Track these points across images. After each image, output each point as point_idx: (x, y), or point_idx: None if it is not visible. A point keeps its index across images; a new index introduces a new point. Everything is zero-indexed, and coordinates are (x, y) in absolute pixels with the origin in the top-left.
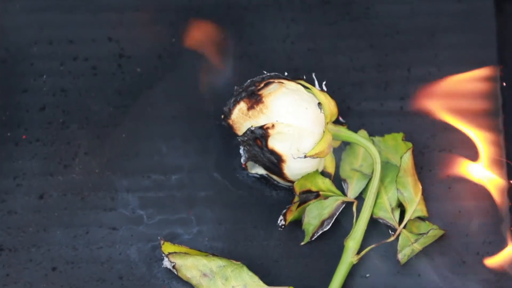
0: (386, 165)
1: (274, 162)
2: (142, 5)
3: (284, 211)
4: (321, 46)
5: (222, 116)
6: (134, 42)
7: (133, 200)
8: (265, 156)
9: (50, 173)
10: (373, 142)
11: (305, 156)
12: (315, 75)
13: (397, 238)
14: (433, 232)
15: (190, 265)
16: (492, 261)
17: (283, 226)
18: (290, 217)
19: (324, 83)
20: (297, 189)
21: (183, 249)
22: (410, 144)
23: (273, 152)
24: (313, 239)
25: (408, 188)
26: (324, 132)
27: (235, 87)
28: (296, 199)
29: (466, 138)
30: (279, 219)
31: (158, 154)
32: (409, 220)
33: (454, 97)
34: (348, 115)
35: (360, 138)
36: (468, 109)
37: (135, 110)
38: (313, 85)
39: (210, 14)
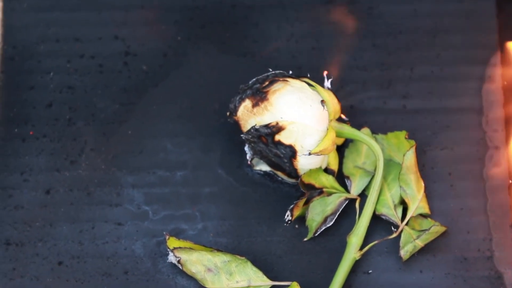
0: (389, 163)
1: (281, 157)
2: (147, 4)
3: (292, 206)
4: (325, 45)
5: (228, 113)
6: (139, 40)
7: (139, 196)
8: (272, 151)
9: (57, 168)
10: (376, 140)
11: (310, 153)
12: (318, 73)
13: (399, 235)
14: (435, 228)
15: (195, 260)
16: (493, 258)
17: (289, 222)
18: (297, 212)
19: (329, 80)
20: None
21: (188, 244)
22: (413, 142)
23: (285, 146)
24: (316, 235)
25: (410, 186)
26: (328, 129)
27: (241, 85)
28: (306, 196)
29: (467, 136)
30: (286, 214)
31: (163, 151)
32: (412, 217)
33: (455, 96)
34: (351, 113)
35: (363, 135)
36: (469, 108)
37: (140, 108)
38: (322, 83)
39: (215, 13)
